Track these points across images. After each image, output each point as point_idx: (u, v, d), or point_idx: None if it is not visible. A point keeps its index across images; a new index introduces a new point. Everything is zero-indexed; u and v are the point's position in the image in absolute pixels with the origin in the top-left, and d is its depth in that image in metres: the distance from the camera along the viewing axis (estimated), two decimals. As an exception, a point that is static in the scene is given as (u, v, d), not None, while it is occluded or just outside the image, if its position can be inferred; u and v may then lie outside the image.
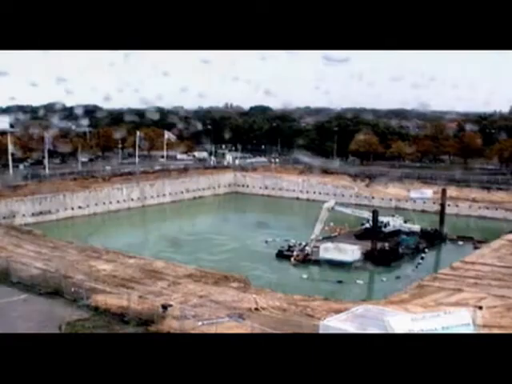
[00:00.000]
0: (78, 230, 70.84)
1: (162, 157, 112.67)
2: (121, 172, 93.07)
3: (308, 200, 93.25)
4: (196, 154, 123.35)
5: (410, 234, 64.99)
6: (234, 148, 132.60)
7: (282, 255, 57.81)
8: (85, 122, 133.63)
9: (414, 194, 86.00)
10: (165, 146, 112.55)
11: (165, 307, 31.91)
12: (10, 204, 71.86)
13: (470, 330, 23.06)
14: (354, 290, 44.48)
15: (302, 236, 60.59)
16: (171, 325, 29.77)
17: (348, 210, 63.89)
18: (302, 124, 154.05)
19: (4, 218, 68.87)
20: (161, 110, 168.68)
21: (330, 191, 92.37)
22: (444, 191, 72.45)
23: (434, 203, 78.39)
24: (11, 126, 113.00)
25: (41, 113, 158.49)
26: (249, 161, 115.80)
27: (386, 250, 58.06)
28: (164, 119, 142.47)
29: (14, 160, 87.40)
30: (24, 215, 72.36)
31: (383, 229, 62.53)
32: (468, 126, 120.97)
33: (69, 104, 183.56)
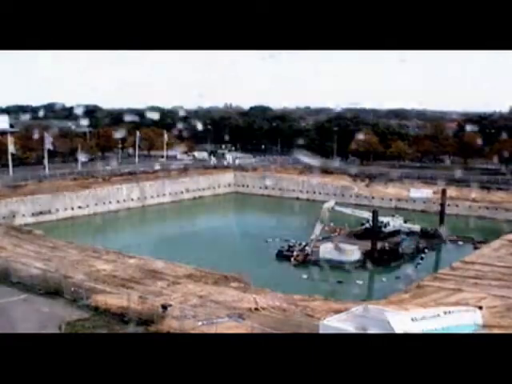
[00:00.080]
0: (78, 230, 70.87)
1: (162, 157, 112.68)
2: (121, 172, 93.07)
3: (308, 200, 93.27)
4: (196, 153, 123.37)
5: (410, 234, 64.91)
6: (234, 148, 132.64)
7: (281, 255, 57.78)
8: (85, 122, 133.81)
9: (413, 194, 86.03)
10: (165, 146, 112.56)
11: (165, 307, 31.92)
12: (10, 204, 71.86)
13: (471, 329, 23.06)
14: (353, 290, 44.46)
15: (302, 236, 60.59)
16: (171, 325, 29.78)
17: (348, 210, 63.82)
18: (302, 124, 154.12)
19: (4, 218, 68.88)
20: (161, 110, 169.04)
21: (330, 191, 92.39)
22: (444, 191, 72.40)
23: (433, 203, 78.38)
24: (11, 126, 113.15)
25: (41, 113, 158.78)
26: (248, 161, 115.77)
27: (385, 249, 58.05)
28: (164, 119, 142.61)
29: (13, 160, 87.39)
30: (24, 215, 72.37)
31: (383, 229, 62.42)
32: (468, 126, 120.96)
33: (69, 104, 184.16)
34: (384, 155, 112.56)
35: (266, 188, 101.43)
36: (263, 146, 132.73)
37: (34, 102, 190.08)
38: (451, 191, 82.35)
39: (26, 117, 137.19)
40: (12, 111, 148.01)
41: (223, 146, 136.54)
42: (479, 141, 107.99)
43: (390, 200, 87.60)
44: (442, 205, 69.90)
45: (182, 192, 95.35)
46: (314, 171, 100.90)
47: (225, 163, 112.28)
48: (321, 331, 24.50)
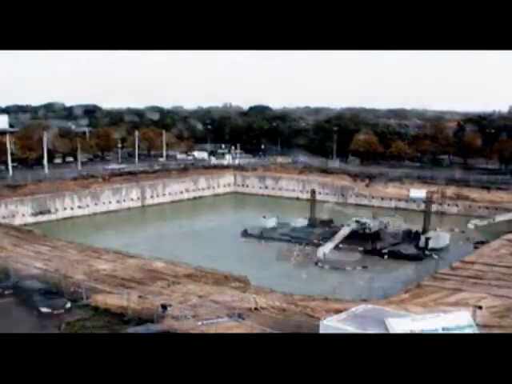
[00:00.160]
0: (78, 230, 70.87)
1: (162, 156, 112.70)
2: (120, 172, 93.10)
3: (308, 200, 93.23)
4: (196, 153, 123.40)
5: (394, 235, 64.79)
6: (233, 148, 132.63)
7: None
8: (84, 121, 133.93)
9: (413, 194, 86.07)
10: (164, 146, 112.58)
11: (164, 307, 31.91)
12: (10, 204, 71.89)
13: (470, 330, 23.04)
14: (353, 290, 44.47)
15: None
16: (171, 325, 29.77)
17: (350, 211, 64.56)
18: (302, 124, 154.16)
19: (4, 218, 68.90)
20: (161, 110, 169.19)
21: (330, 191, 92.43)
22: (437, 192, 72.79)
23: (433, 203, 78.39)
24: (11, 125, 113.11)
25: (41, 113, 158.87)
26: (248, 161, 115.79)
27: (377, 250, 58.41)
28: (164, 119, 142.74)
29: (13, 160, 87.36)
30: (24, 215, 72.40)
31: (367, 231, 62.86)
32: (468, 126, 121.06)
33: (68, 104, 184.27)
34: (384, 155, 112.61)
35: (266, 188, 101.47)
36: (263, 146, 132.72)
37: (34, 102, 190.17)
38: (451, 191, 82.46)
39: (25, 117, 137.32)
40: (12, 111, 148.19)
41: (223, 146, 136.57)
42: (479, 141, 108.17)
43: (390, 200, 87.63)
44: (427, 210, 67.32)
45: (181, 192, 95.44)
46: (314, 171, 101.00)
47: (224, 163, 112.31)
48: (321, 331, 24.49)
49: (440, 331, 22.00)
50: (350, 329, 23.16)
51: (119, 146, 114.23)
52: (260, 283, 42.31)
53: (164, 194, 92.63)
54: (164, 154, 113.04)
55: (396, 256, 57.79)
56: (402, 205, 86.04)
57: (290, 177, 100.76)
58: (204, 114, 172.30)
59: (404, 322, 23.47)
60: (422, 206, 73.10)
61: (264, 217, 70.69)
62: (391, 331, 22.02)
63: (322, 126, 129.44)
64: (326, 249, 57.72)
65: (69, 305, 32.65)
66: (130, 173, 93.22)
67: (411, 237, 63.68)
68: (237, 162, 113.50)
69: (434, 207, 75.56)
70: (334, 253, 57.61)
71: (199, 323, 30.03)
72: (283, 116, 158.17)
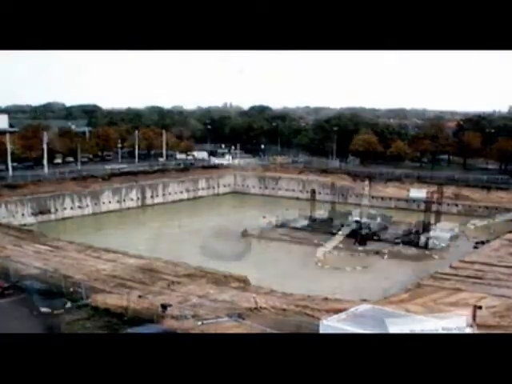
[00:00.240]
0: (78, 229, 70.83)
1: (162, 156, 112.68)
2: (120, 172, 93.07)
3: (308, 200, 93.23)
4: (195, 153, 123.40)
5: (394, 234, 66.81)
6: (233, 148, 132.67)
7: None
8: (84, 121, 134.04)
9: (413, 194, 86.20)
10: (164, 146, 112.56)
11: (164, 307, 31.91)
12: (10, 204, 71.86)
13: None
14: (354, 290, 44.48)
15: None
16: (171, 325, 29.77)
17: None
18: (302, 124, 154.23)
19: (4, 218, 68.88)
20: (160, 110, 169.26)
21: (330, 191, 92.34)
22: (441, 190, 72.82)
23: (433, 203, 78.39)
24: (11, 125, 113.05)
25: (41, 113, 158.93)
26: (248, 161, 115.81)
27: None
28: (164, 119, 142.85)
29: (13, 160, 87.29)
30: (24, 215, 72.37)
31: (366, 231, 65.15)
32: (468, 126, 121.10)
33: (68, 104, 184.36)
34: (384, 155, 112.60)
35: (266, 188, 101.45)
36: (263, 146, 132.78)
37: (34, 102, 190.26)
38: (451, 191, 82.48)
39: (25, 116, 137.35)
40: (12, 111, 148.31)
41: (223, 146, 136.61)
42: (479, 141, 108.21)
43: (390, 200, 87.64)
44: (432, 202, 69.86)
45: (181, 192, 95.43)
46: (314, 171, 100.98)
47: (224, 163, 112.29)
48: (321, 331, 24.49)
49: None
50: (350, 329, 23.15)
51: (119, 145, 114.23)
52: (259, 283, 42.37)
53: (164, 194, 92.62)
54: (164, 154, 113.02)
55: (396, 256, 58.41)
56: (402, 205, 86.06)
57: (290, 177, 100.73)
58: (204, 114, 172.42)
59: (402, 323, 23.47)
60: (422, 206, 73.45)
61: (264, 217, 71.12)
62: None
63: (321, 125, 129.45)
64: (326, 249, 57.91)
65: (69, 305, 32.66)
66: (129, 173, 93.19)
67: (411, 236, 64.50)
68: (236, 161, 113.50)
69: (434, 207, 75.68)
70: (334, 253, 58.16)
71: (199, 323, 30.03)
72: (283, 116, 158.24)
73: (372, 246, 61.77)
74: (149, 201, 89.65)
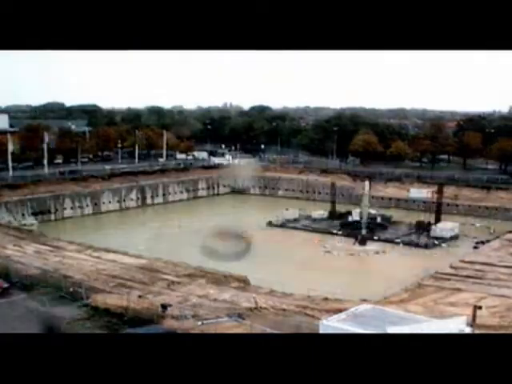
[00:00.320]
0: (78, 229, 70.85)
1: (162, 156, 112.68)
2: (120, 172, 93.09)
3: (308, 200, 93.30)
4: (195, 153, 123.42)
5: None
6: (233, 148, 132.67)
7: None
8: (84, 121, 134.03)
9: (413, 194, 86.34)
10: (164, 146, 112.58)
11: (164, 307, 31.92)
12: (10, 204, 71.85)
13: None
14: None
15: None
16: (171, 324, 29.78)
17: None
18: (302, 124, 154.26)
19: (4, 217, 68.87)
20: (160, 110, 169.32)
21: (329, 191, 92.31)
22: (441, 190, 73.42)
23: (433, 203, 78.53)
24: (11, 125, 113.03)
25: (41, 113, 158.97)
26: (248, 161, 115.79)
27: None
28: (164, 119, 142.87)
29: (13, 160, 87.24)
30: (24, 215, 72.37)
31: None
32: (468, 126, 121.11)
33: (68, 104, 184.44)
34: (384, 155, 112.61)
35: (266, 188, 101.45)
36: (263, 146, 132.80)
37: (34, 102, 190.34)
38: (451, 191, 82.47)
39: (25, 116, 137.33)
40: (12, 111, 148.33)
41: (223, 146, 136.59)
42: (479, 141, 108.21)
43: (390, 200, 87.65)
44: (440, 203, 71.51)
45: (181, 192, 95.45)
46: (314, 171, 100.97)
47: (224, 163, 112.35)
48: (321, 331, 24.50)
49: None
50: (350, 329, 23.16)
51: (119, 146, 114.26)
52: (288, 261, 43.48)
53: (164, 194, 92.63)
54: (164, 154, 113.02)
55: (409, 244, 63.22)
56: (402, 204, 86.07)
57: (290, 177, 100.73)
58: (204, 114, 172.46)
59: (402, 323, 23.48)
60: (422, 206, 74.13)
61: (287, 209, 76.68)
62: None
63: (321, 125, 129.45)
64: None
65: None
66: (129, 173, 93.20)
67: (420, 228, 67.83)
68: (237, 161, 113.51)
69: (434, 207, 75.81)
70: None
71: (199, 323, 30.04)
72: (283, 116, 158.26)
73: (372, 245, 62.99)
74: (149, 201, 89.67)
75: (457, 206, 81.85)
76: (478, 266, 47.15)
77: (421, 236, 65.03)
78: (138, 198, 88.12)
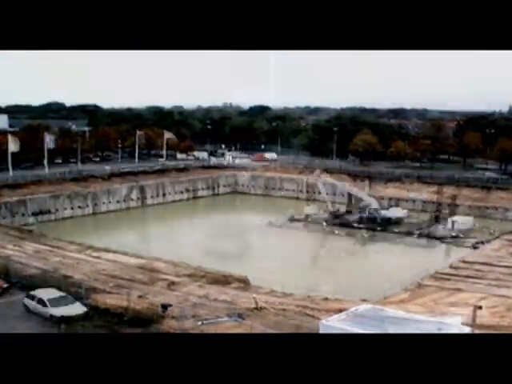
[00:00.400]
0: (78, 229, 70.81)
1: (162, 156, 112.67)
2: (120, 172, 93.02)
3: (308, 200, 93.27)
4: (196, 153, 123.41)
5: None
6: (233, 148, 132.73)
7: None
8: (84, 121, 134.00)
9: (413, 194, 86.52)
10: (165, 146, 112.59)
11: (165, 307, 31.91)
12: (10, 204, 71.82)
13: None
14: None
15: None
16: (171, 324, 29.78)
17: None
18: (302, 124, 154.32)
19: (4, 217, 68.85)
20: (160, 110, 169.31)
21: (330, 191, 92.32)
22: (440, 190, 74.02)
23: (433, 203, 78.74)
24: (11, 125, 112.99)
25: (41, 113, 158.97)
26: (248, 161, 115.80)
27: None
28: (164, 119, 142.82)
29: (13, 160, 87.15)
30: (24, 215, 72.33)
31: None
32: (468, 126, 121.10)
33: (68, 104, 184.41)
34: (384, 155, 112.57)
35: (266, 188, 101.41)
36: (263, 146, 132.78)
37: (34, 102, 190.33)
38: (451, 191, 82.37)
39: (25, 116, 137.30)
40: (12, 111, 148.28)
41: (223, 146, 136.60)
42: (479, 141, 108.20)
43: (390, 200, 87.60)
44: (440, 204, 72.56)
45: (181, 192, 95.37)
46: (314, 171, 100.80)
47: (224, 163, 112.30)
48: (321, 331, 24.50)
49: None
50: (350, 329, 23.16)
51: (119, 145, 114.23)
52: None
53: (164, 194, 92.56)
54: (164, 154, 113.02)
55: (426, 236, 67.07)
56: (402, 205, 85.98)
57: (290, 177, 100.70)
58: (204, 114, 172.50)
59: (401, 323, 23.48)
60: (421, 206, 74.96)
61: (308, 204, 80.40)
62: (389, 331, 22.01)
63: (322, 125, 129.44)
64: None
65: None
66: (130, 173, 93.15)
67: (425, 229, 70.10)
68: (237, 161, 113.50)
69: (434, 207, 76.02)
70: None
71: (199, 323, 30.04)
72: (283, 116, 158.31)
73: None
74: (149, 201, 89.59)
75: (456, 206, 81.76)
76: (477, 266, 47.13)
77: (438, 228, 68.76)
78: (138, 198, 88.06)
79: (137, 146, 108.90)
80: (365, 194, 79.70)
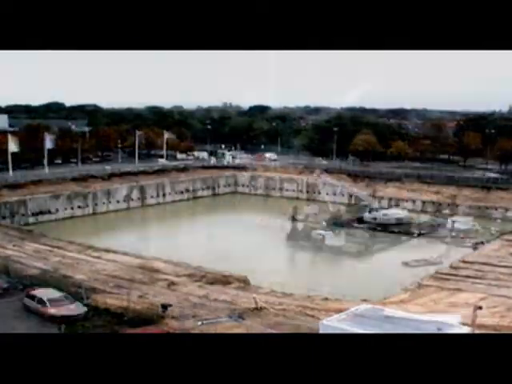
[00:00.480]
0: (78, 229, 70.83)
1: (162, 156, 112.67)
2: (120, 172, 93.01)
3: (308, 200, 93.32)
4: (196, 153, 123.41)
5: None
6: (233, 148, 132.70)
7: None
8: (84, 121, 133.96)
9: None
10: (165, 146, 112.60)
11: (165, 307, 31.89)
12: (10, 204, 71.82)
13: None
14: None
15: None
16: (171, 325, 29.77)
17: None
18: (302, 124, 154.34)
19: (4, 217, 68.84)
20: (160, 110, 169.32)
21: (330, 191, 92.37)
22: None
23: (433, 203, 78.91)
24: (11, 125, 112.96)
25: (41, 113, 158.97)
26: (248, 161, 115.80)
27: None
28: (164, 119, 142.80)
29: (13, 160, 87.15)
30: (24, 215, 72.33)
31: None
32: (468, 126, 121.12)
33: (68, 104, 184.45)
34: (384, 155, 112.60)
35: (266, 188, 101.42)
36: (263, 146, 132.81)
37: (34, 102, 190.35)
38: (451, 191, 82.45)
39: (25, 116, 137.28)
40: (12, 111, 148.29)
41: (223, 146, 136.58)
42: (479, 141, 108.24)
43: (390, 200, 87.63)
44: None
45: (181, 192, 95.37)
46: (314, 171, 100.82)
47: (224, 163, 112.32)
48: (321, 331, 24.49)
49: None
50: (350, 329, 23.15)
51: (119, 146, 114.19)
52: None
53: (164, 194, 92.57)
54: (164, 154, 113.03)
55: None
56: (402, 205, 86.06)
57: (290, 177, 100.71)
58: (204, 114, 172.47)
59: (402, 323, 23.47)
60: (422, 207, 74.95)
61: (308, 205, 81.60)
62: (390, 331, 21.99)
63: (322, 126, 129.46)
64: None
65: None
66: (130, 173, 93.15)
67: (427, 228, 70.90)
68: (237, 161, 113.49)
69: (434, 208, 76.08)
70: None
71: (199, 323, 30.04)
72: (283, 116, 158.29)
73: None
74: (149, 201, 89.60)
75: (456, 206, 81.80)
76: (477, 266, 47.13)
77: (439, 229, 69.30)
78: (138, 198, 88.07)
79: (137, 146, 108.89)
80: (365, 194, 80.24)
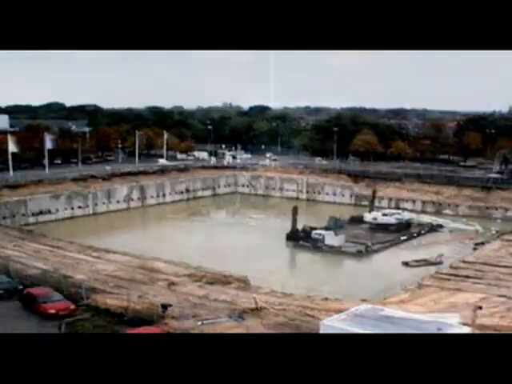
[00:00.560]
0: (78, 229, 70.83)
1: (162, 157, 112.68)
2: (121, 172, 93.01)
3: (308, 200, 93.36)
4: (196, 153, 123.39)
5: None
6: (234, 148, 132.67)
7: None
8: (84, 121, 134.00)
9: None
10: (165, 146, 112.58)
11: (165, 307, 31.88)
12: (10, 204, 71.81)
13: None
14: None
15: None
16: (171, 325, 29.76)
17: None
18: (302, 124, 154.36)
19: (4, 217, 68.83)
20: (160, 110, 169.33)
21: (330, 191, 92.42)
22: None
23: (433, 203, 78.85)
24: (11, 125, 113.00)
25: (41, 113, 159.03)
26: (248, 161, 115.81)
27: None
28: (164, 119, 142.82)
29: (13, 160, 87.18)
30: (24, 215, 72.33)
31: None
32: (468, 126, 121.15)
33: (68, 104, 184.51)
34: (384, 155, 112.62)
35: (266, 188, 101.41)
36: (263, 146, 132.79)
37: (34, 102, 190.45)
38: (451, 191, 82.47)
39: (25, 116, 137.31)
40: (12, 111, 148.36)
41: (223, 146, 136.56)
42: (479, 141, 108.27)
43: (390, 200, 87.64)
44: None
45: (181, 192, 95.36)
46: (314, 171, 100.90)
47: (224, 163, 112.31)
48: (321, 331, 24.48)
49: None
50: (350, 329, 23.14)
51: (119, 146, 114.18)
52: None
53: (164, 194, 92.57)
54: (164, 154, 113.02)
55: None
56: (402, 205, 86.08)
57: (290, 177, 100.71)
58: (204, 115, 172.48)
59: (402, 323, 23.47)
60: (422, 207, 74.84)
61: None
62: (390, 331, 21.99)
63: (322, 126, 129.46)
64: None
65: None
66: (130, 173, 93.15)
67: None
68: (238, 161, 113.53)
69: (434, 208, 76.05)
70: None
71: (199, 323, 30.03)
72: (283, 116, 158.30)
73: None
74: (149, 201, 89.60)
75: (457, 206, 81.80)
76: (477, 266, 47.14)
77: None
78: (138, 198, 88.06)
79: (137, 147, 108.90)
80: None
